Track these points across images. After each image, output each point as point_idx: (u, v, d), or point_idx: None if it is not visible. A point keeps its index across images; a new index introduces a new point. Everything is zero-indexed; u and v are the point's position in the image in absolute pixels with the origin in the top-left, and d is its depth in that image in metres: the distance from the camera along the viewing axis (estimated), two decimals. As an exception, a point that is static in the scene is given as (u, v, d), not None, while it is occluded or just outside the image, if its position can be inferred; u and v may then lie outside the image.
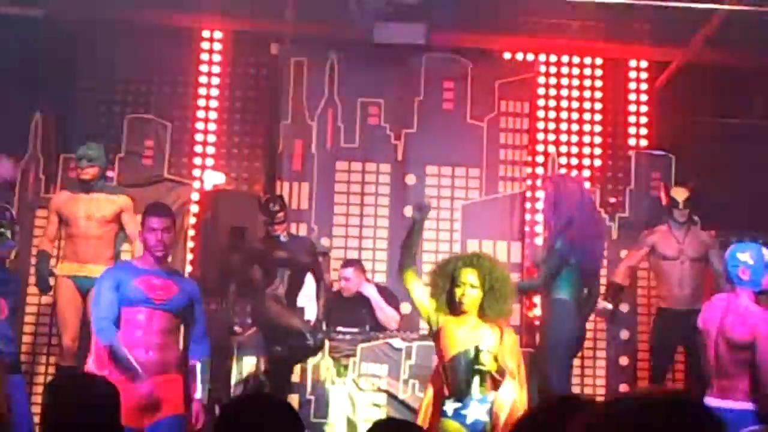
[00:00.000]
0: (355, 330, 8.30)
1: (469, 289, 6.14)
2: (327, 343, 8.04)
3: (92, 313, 6.55)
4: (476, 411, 6.06)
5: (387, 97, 9.56)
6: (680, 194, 8.55)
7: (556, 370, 7.32)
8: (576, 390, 8.95)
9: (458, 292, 6.14)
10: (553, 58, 9.87)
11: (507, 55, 9.80)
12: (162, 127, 9.02)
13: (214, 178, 9.64)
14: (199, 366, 6.40)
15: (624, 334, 9.18)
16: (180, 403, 6.24)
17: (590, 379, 9.09)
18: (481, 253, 6.64)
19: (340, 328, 8.27)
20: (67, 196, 7.79)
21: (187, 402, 6.25)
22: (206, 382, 6.35)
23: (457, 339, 6.16)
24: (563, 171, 9.41)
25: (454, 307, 6.19)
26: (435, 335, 6.31)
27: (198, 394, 6.31)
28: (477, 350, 5.99)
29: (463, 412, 6.08)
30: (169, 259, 7.15)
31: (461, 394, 6.07)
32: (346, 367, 8.06)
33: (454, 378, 6.11)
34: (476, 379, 6.04)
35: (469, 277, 6.15)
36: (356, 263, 8.83)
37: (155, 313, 6.38)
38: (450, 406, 6.13)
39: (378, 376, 8.12)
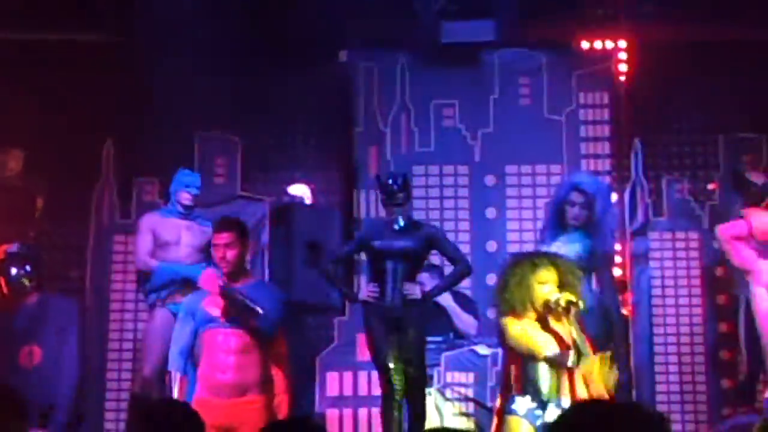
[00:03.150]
0: (439, 338, 8.10)
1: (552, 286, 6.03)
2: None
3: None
4: (552, 415, 5.82)
5: (461, 97, 9.32)
6: (757, 179, 8.15)
7: None
8: (675, 387, 8.66)
9: (541, 291, 6.01)
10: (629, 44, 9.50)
11: (584, 45, 9.45)
12: (232, 143, 8.95)
13: (298, 191, 9.55)
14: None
15: (723, 327, 8.79)
16: (258, 427, 6.07)
17: (689, 376, 8.72)
18: (548, 253, 6.49)
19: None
20: (162, 219, 7.70)
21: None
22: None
23: (546, 340, 5.95)
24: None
25: (542, 309, 6.03)
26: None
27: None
28: (576, 352, 5.87)
29: (537, 412, 5.91)
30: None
31: (541, 396, 5.89)
32: (431, 376, 7.86)
33: (535, 378, 5.93)
34: (564, 381, 5.89)
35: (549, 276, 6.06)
36: (433, 268, 8.57)
37: (230, 332, 6.28)
38: (522, 405, 5.93)
39: (464, 385, 7.93)
